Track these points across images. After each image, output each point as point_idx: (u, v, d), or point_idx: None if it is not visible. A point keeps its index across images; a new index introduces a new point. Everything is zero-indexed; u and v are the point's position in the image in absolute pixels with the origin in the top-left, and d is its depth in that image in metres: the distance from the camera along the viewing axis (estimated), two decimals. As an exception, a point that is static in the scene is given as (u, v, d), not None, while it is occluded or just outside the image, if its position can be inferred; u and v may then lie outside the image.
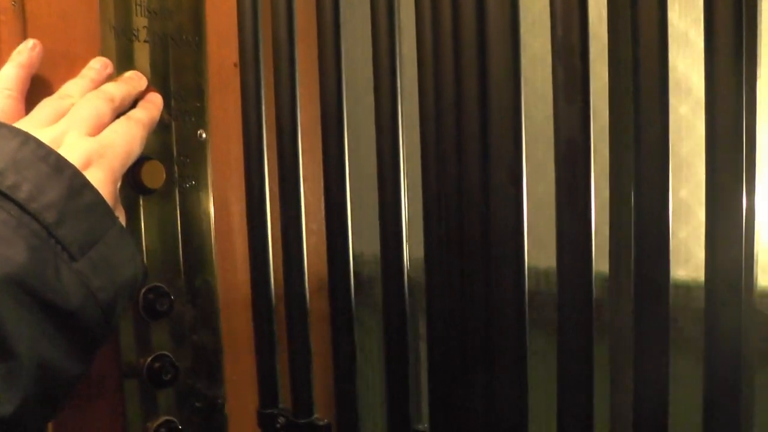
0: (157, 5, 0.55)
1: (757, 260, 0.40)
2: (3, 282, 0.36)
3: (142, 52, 0.54)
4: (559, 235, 0.43)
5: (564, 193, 0.43)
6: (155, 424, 0.56)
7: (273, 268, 0.60)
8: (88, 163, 0.43)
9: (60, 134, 0.44)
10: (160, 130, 0.55)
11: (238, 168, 0.60)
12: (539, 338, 0.48)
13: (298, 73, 0.57)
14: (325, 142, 0.55)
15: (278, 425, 0.60)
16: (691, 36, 0.52)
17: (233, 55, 0.60)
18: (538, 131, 0.49)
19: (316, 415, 0.59)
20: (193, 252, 0.58)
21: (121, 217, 0.46)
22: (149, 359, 0.55)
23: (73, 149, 0.43)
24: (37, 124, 0.44)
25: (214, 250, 0.60)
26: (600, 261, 0.44)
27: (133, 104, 0.52)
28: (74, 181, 0.41)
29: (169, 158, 0.56)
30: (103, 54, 0.52)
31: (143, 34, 0.54)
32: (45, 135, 0.42)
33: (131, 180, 0.53)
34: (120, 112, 0.49)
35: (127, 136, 0.47)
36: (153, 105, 0.53)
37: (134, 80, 0.52)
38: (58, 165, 0.40)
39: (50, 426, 0.51)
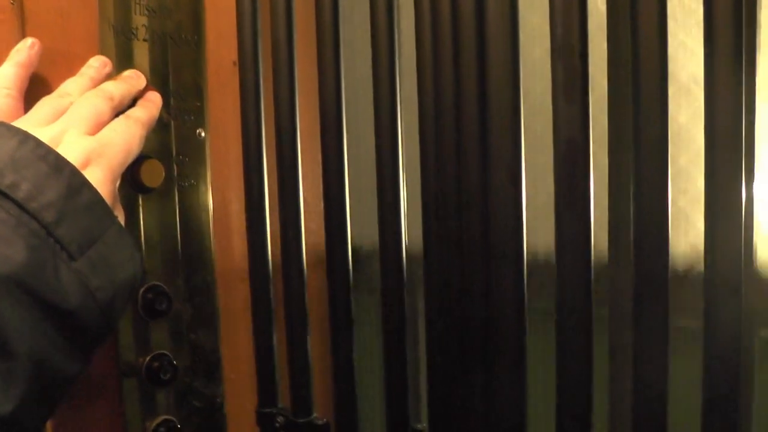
0: (156, 4, 0.55)
1: (757, 231, 0.40)
2: (2, 281, 0.36)
3: (141, 50, 0.54)
4: (558, 235, 0.43)
5: (563, 193, 0.43)
6: (154, 424, 0.56)
7: (272, 268, 0.60)
8: (87, 162, 0.43)
9: (59, 133, 0.44)
10: (159, 129, 0.55)
11: (237, 167, 0.60)
12: (539, 341, 0.48)
13: (297, 72, 0.57)
14: (324, 141, 0.55)
15: (277, 424, 0.60)
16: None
17: (232, 54, 0.59)
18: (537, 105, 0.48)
19: (315, 415, 0.59)
20: (191, 251, 0.58)
21: (120, 217, 0.46)
22: (148, 358, 0.55)
23: (72, 148, 0.43)
24: (36, 123, 0.44)
25: (213, 250, 0.60)
26: (600, 261, 0.45)
27: (132, 103, 0.51)
28: (73, 180, 0.40)
29: (168, 157, 0.56)
30: (102, 53, 0.52)
31: (142, 33, 0.54)
32: (44, 134, 0.42)
33: (130, 179, 0.53)
34: (119, 111, 0.49)
35: (126, 135, 0.47)
36: (152, 104, 0.53)
37: (133, 79, 0.52)
38: (57, 164, 0.40)
39: (49, 425, 0.51)
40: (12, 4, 0.48)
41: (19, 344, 0.36)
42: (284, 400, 0.60)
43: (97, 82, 0.50)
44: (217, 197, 0.60)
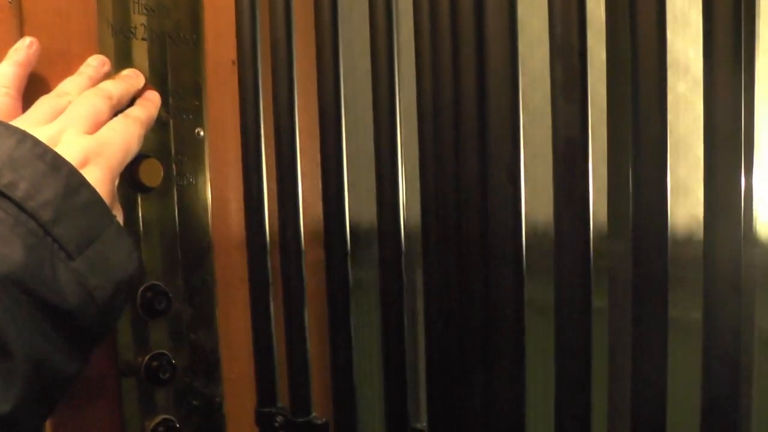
0: (154, 3, 0.55)
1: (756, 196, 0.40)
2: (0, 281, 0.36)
3: (139, 49, 0.54)
4: (557, 235, 0.43)
5: (563, 193, 0.43)
6: (153, 423, 0.56)
7: (271, 267, 0.60)
8: (85, 162, 0.43)
9: (57, 132, 0.44)
10: (157, 128, 0.55)
11: (236, 166, 0.60)
12: (538, 341, 0.48)
13: (296, 71, 0.57)
14: (323, 140, 0.55)
15: (276, 424, 0.60)
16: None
17: (231, 53, 0.59)
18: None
19: (314, 414, 0.59)
20: (190, 250, 0.58)
21: (119, 216, 0.46)
22: (147, 358, 0.55)
23: (71, 147, 0.43)
24: (34, 123, 0.44)
25: (212, 249, 0.60)
26: (599, 261, 0.44)
27: (131, 102, 0.51)
28: (71, 179, 0.40)
29: (167, 156, 0.56)
30: (100, 52, 0.52)
31: (141, 32, 0.54)
32: (42, 133, 0.42)
33: (129, 178, 0.53)
34: (118, 110, 0.49)
35: (125, 134, 0.47)
36: (151, 103, 0.53)
37: (132, 78, 0.52)
38: (55, 163, 0.40)
39: (48, 425, 0.51)
40: (10, 3, 0.48)
41: (18, 344, 0.36)
42: (283, 399, 0.60)
43: (96, 82, 0.50)
44: (216, 196, 0.60)
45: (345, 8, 0.54)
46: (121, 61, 0.53)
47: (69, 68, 0.50)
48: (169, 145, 0.56)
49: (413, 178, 0.51)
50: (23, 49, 0.47)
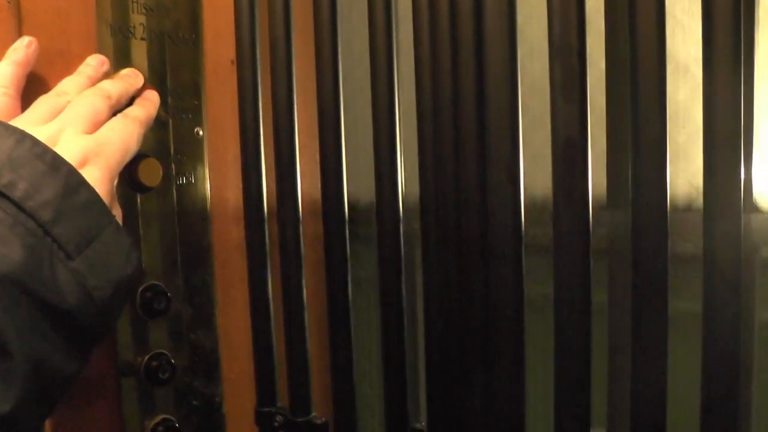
0: (153, 2, 0.55)
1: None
2: (-1, 281, 0.36)
3: (138, 49, 0.54)
4: (557, 235, 0.43)
5: (562, 192, 0.43)
6: (153, 423, 0.56)
7: (271, 267, 0.60)
8: (84, 161, 0.43)
9: (56, 132, 0.44)
10: (157, 128, 0.55)
11: (236, 165, 0.60)
12: (538, 340, 0.48)
13: (296, 70, 0.57)
14: (322, 139, 0.55)
15: (276, 423, 0.60)
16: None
17: (230, 53, 0.59)
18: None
19: (313, 414, 0.59)
20: (190, 250, 0.58)
21: (118, 215, 0.46)
22: (146, 358, 0.55)
23: (70, 147, 0.43)
24: (33, 122, 0.44)
25: (211, 249, 0.60)
26: (599, 261, 0.44)
27: (130, 102, 0.51)
28: (70, 179, 0.40)
29: (166, 156, 0.56)
30: (99, 51, 0.52)
31: (140, 32, 0.54)
32: (41, 133, 0.42)
33: (128, 178, 0.53)
34: (117, 110, 0.49)
35: (124, 134, 0.47)
36: (150, 102, 0.52)
37: (131, 78, 0.52)
38: (54, 163, 0.40)
39: (48, 424, 0.51)
40: (8, 2, 0.48)
41: (17, 344, 0.36)
42: (283, 399, 0.60)
43: (95, 81, 0.50)
44: (216, 196, 0.60)
45: (344, 7, 0.54)
46: (120, 60, 0.53)
47: (68, 68, 0.50)
48: (169, 144, 0.56)
49: (413, 178, 0.51)
50: (22, 48, 0.47)
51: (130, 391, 0.55)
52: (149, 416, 0.56)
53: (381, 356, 0.53)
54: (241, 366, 0.62)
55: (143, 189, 0.54)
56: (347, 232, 0.55)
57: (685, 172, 0.51)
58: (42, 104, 0.46)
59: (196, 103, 0.58)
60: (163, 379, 0.55)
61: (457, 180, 0.47)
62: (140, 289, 0.54)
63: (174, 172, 0.56)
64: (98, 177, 0.43)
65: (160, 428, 0.56)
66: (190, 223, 0.58)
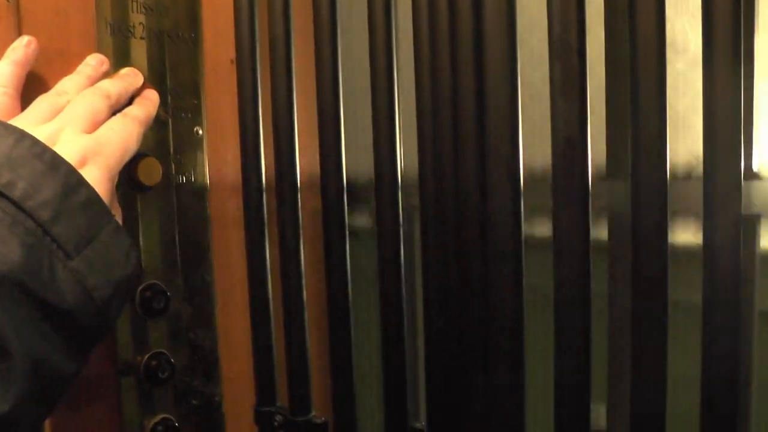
0: (153, 2, 0.55)
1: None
2: (-2, 280, 0.36)
3: (138, 48, 0.54)
4: (556, 236, 0.43)
5: (562, 192, 0.43)
6: (152, 422, 0.56)
7: (270, 267, 0.60)
8: (83, 161, 0.43)
9: (55, 131, 0.43)
10: (156, 127, 0.55)
11: (235, 165, 0.60)
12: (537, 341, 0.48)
13: (295, 70, 0.56)
14: (321, 138, 0.55)
15: (275, 423, 0.60)
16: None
17: (230, 52, 0.59)
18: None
19: (313, 413, 0.59)
20: (189, 250, 0.58)
21: (118, 215, 0.46)
22: (146, 357, 0.55)
23: (69, 147, 0.43)
24: (33, 122, 0.44)
25: (211, 248, 0.60)
26: (598, 260, 0.44)
27: (130, 101, 0.51)
28: (69, 178, 0.40)
29: (166, 155, 0.56)
30: (99, 51, 0.52)
31: (139, 31, 0.54)
32: (40, 132, 0.42)
33: (128, 177, 0.53)
34: (116, 109, 0.49)
35: (124, 133, 0.47)
36: (149, 102, 0.52)
37: (131, 77, 0.52)
38: (54, 162, 0.40)
39: (47, 424, 0.51)
40: (8, 2, 0.47)
41: (16, 344, 0.36)
42: (282, 398, 0.60)
43: (94, 80, 0.50)
44: (215, 195, 0.60)
45: (344, 6, 0.54)
46: (120, 60, 0.53)
47: (67, 67, 0.50)
48: (168, 144, 0.56)
49: (412, 177, 0.51)
50: (21, 48, 0.47)
51: (129, 391, 0.55)
52: (149, 415, 0.56)
53: (381, 356, 0.53)
54: (241, 365, 0.62)
55: (143, 188, 0.54)
56: (346, 229, 0.55)
57: (684, 140, 0.51)
58: (41, 104, 0.46)
59: (195, 102, 0.58)
60: (163, 378, 0.55)
61: (456, 179, 0.47)
62: (140, 288, 0.54)
63: (173, 171, 0.56)
64: (97, 176, 0.43)
65: (160, 427, 0.56)
66: (189, 223, 0.58)
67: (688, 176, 0.51)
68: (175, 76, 0.56)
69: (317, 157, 0.55)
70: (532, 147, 0.48)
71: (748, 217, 0.42)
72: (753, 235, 0.47)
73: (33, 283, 0.37)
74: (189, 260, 0.58)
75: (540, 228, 0.54)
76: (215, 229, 0.60)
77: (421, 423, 0.53)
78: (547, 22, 0.42)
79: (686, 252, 0.51)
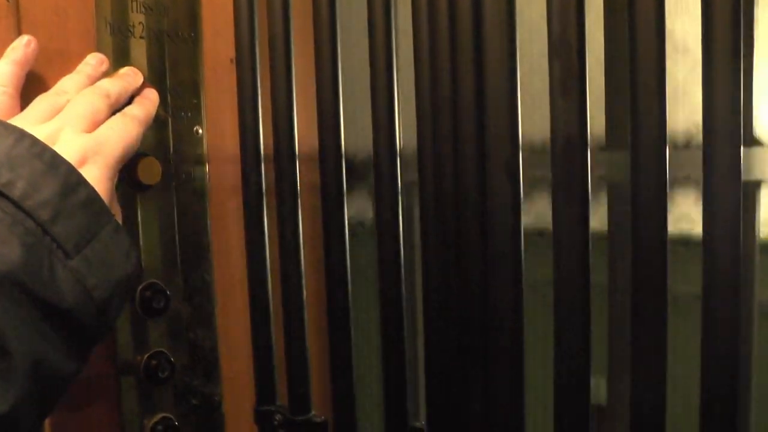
0: (152, 1, 0.55)
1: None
2: (-2, 280, 0.36)
3: (138, 48, 0.54)
4: (556, 236, 0.43)
5: (562, 191, 0.43)
6: (152, 422, 0.56)
7: (270, 267, 0.60)
8: (83, 160, 0.43)
9: (55, 131, 0.43)
10: (156, 127, 0.55)
11: (235, 164, 0.60)
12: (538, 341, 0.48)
13: (295, 69, 0.56)
14: (321, 138, 0.55)
15: (275, 422, 0.60)
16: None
17: (229, 51, 0.59)
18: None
19: (313, 412, 0.59)
20: (189, 249, 0.58)
21: (117, 214, 0.46)
22: (146, 357, 0.55)
23: (69, 146, 0.43)
24: (32, 121, 0.44)
25: (211, 248, 0.60)
26: (598, 261, 0.44)
27: (129, 101, 0.51)
28: (69, 178, 0.40)
29: (166, 154, 0.56)
30: (98, 50, 0.52)
31: (139, 30, 0.54)
32: (40, 132, 0.42)
33: (127, 177, 0.52)
34: (116, 109, 0.49)
35: (123, 133, 0.47)
36: (149, 101, 0.52)
37: (130, 76, 0.52)
38: (53, 162, 0.40)
39: (47, 423, 0.51)
40: (8, 1, 0.47)
41: (16, 343, 0.36)
42: (282, 398, 0.60)
43: (94, 80, 0.50)
44: (215, 195, 0.60)
45: (343, 5, 0.54)
46: (120, 59, 0.53)
47: (67, 67, 0.50)
48: (168, 143, 0.56)
49: (412, 176, 0.51)
50: (21, 47, 0.47)
51: (129, 390, 0.55)
52: (149, 415, 0.56)
53: (381, 355, 0.54)
54: (241, 365, 0.62)
55: (142, 188, 0.54)
56: (346, 228, 0.55)
57: (684, 108, 0.50)
58: (41, 103, 0.46)
59: (195, 101, 0.58)
60: (163, 377, 0.55)
61: (456, 178, 0.47)
62: (139, 287, 0.54)
63: (173, 170, 0.56)
64: (97, 176, 0.43)
65: (160, 427, 0.56)
66: (189, 222, 0.58)
67: (687, 145, 0.50)
68: (174, 75, 0.56)
69: (317, 155, 0.55)
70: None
71: (747, 183, 0.42)
72: (753, 202, 0.46)
73: (33, 282, 0.37)
74: (189, 260, 0.58)
75: (540, 221, 0.54)
76: (215, 229, 0.60)
77: (421, 422, 0.53)
78: (547, 22, 0.42)
79: (684, 242, 0.51)
